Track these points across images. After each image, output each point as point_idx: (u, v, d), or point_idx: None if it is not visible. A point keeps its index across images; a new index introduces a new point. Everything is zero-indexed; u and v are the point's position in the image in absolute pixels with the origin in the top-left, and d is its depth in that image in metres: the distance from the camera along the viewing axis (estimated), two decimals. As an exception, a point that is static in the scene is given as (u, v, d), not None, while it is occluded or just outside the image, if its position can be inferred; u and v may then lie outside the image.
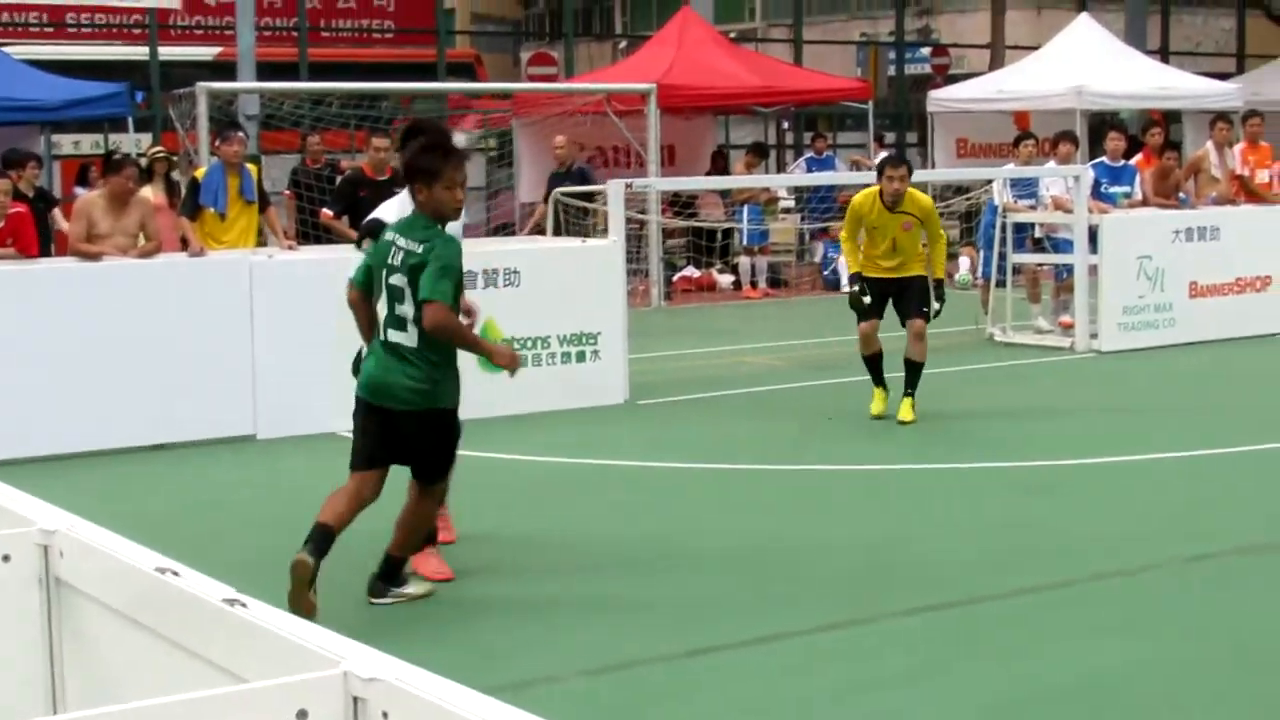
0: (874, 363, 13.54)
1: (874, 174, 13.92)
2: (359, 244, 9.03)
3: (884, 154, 14.70)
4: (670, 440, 12.71)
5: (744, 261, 24.40)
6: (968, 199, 22.97)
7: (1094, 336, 17.35)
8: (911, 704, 6.77)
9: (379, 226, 8.30)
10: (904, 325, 13.52)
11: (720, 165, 26.43)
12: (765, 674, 7.15)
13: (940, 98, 27.98)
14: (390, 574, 8.19)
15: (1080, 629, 7.73)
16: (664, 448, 12.31)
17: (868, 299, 13.36)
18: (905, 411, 13.31)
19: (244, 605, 2.87)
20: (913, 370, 13.42)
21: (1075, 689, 6.84)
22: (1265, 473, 11.42)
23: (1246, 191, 19.93)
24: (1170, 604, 8.20)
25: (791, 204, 26.71)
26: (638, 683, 7.11)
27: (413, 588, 8.28)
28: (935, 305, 13.45)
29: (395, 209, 8.47)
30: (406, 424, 7.86)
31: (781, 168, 30.85)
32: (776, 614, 8.03)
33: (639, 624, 7.90)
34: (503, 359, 8.21)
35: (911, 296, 13.39)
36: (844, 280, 22.99)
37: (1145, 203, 18.88)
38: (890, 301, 13.51)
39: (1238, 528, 9.72)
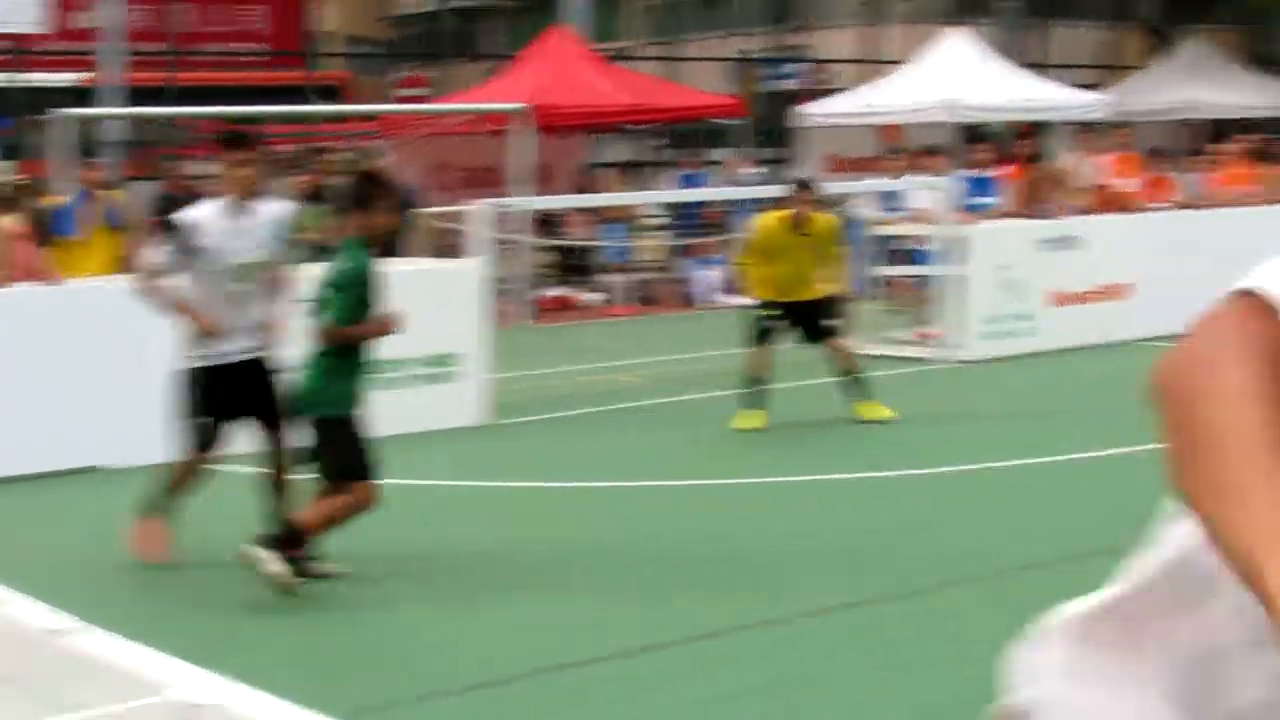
0: (759, 383, 13.53)
1: (746, 187, 14.03)
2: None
3: (796, 178, 14.71)
4: (529, 458, 12.64)
5: (612, 279, 24.38)
6: (839, 211, 23.03)
7: (958, 346, 17.44)
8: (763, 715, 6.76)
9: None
10: (823, 346, 13.70)
11: (587, 184, 26.36)
12: (630, 687, 7.13)
13: (811, 113, 28.08)
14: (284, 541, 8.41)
15: (939, 638, 7.74)
16: (522, 466, 12.22)
17: (772, 324, 13.51)
18: (881, 411, 13.62)
19: (70, 633, 2.78)
20: (855, 380, 13.63)
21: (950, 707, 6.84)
22: (1124, 478, 11.51)
23: (1113, 201, 20.13)
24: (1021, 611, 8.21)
25: (662, 220, 26.70)
26: (492, 704, 7.03)
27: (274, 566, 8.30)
28: (837, 321, 13.73)
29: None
30: None
31: (653, 185, 30.85)
32: (639, 627, 8.01)
33: (491, 646, 7.83)
34: None
35: (819, 318, 13.58)
36: (698, 297, 23.08)
37: (1012, 213, 19.03)
38: (795, 323, 13.65)
39: (1106, 530, 9.77)
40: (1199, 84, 29.02)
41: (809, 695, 7.01)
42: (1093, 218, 19.46)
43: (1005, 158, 21.18)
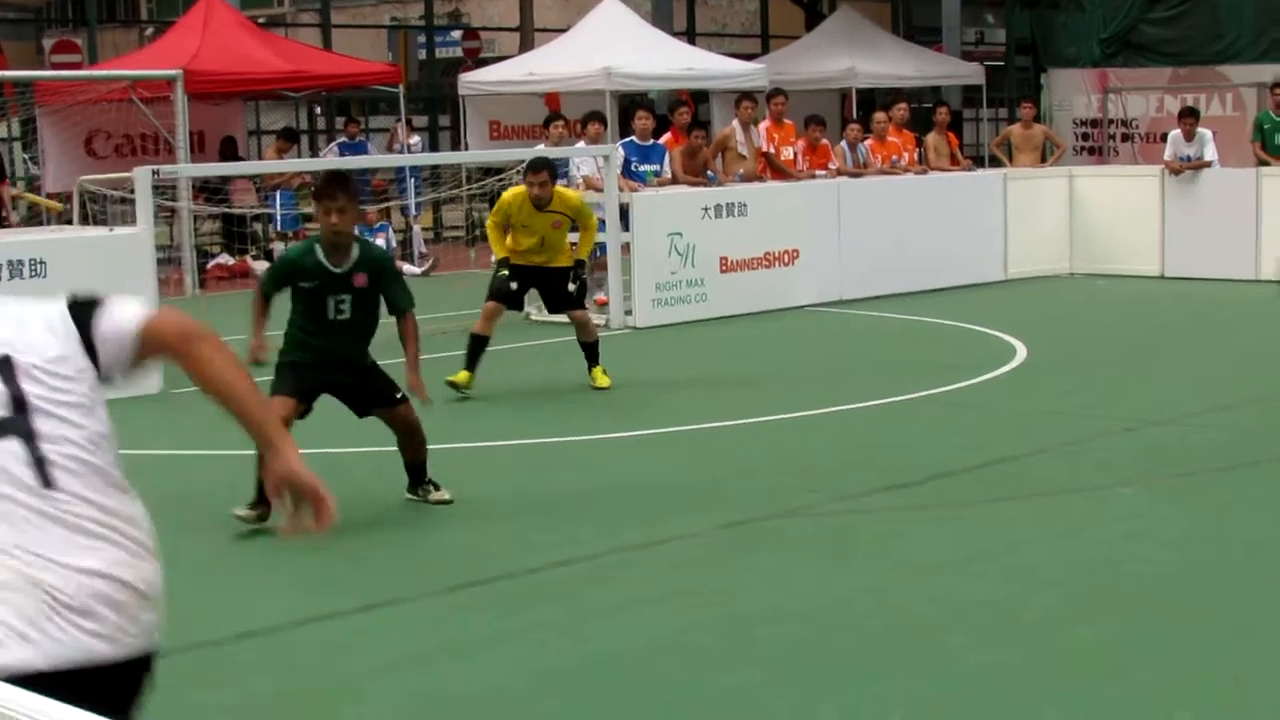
0: (480, 345, 13.64)
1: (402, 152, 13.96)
2: None
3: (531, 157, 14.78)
4: (198, 428, 12.25)
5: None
6: (500, 180, 22.92)
7: (628, 313, 17.51)
8: (460, 677, 6.68)
9: None
10: (565, 315, 14.01)
11: (234, 151, 25.78)
12: (312, 652, 6.97)
13: (472, 80, 27.90)
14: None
15: (622, 599, 7.71)
16: (194, 436, 11.85)
17: (514, 285, 13.76)
18: (602, 378, 13.76)
19: None
20: (591, 348, 13.84)
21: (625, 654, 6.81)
22: (799, 438, 11.66)
23: (772, 168, 20.40)
24: (703, 572, 8.24)
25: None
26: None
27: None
28: (572, 286, 13.95)
29: None
30: None
31: (314, 152, 30.37)
32: (320, 595, 7.85)
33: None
34: None
35: (560, 286, 13.90)
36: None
37: (675, 181, 19.14)
38: (536, 290, 14.11)
39: (776, 492, 9.86)
40: (852, 53, 29.61)
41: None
42: (757, 185, 19.70)
43: (664, 125, 21.30)
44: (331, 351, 9.49)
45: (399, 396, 9.60)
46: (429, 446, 9.75)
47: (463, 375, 13.47)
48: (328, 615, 7.68)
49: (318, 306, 9.45)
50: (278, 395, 9.16)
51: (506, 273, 13.75)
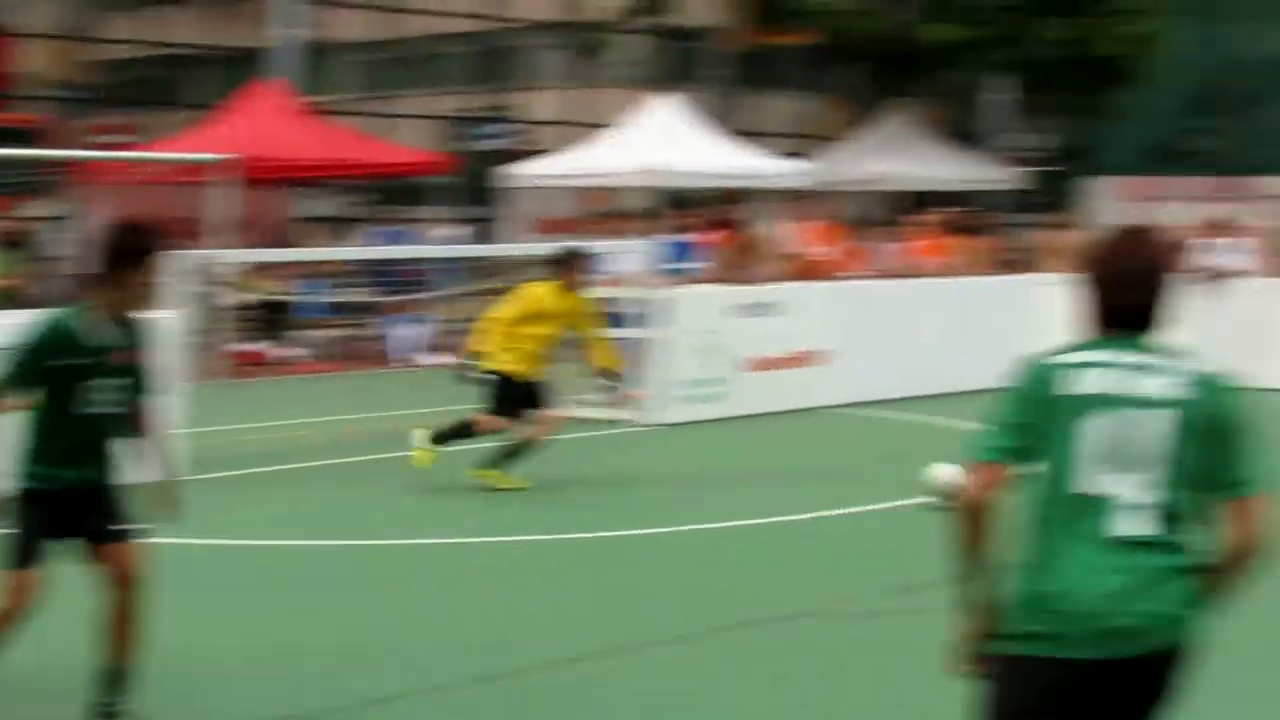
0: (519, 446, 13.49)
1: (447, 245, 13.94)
2: None
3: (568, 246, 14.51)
4: (219, 514, 12.34)
5: (311, 335, 24.10)
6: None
7: (663, 409, 17.55)
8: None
9: None
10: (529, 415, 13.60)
11: (289, 238, 26.02)
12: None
13: (518, 173, 28.11)
14: None
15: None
16: (218, 525, 11.92)
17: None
18: (509, 481, 13.38)
19: None
20: (521, 450, 13.45)
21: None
22: (821, 540, 11.67)
23: (811, 269, 20.49)
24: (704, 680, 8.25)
25: (360, 278, 26.54)
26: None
27: None
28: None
29: None
30: None
31: (355, 241, 30.60)
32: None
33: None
34: None
35: (532, 395, 13.55)
36: (397, 355, 22.97)
37: (717, 279, 19.23)
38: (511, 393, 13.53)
39: (789, 595, 9.86)
40: (899, 156, 29.75)
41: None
42: (791, 284, 19.76)
43: (710, 224, 21.43)
44: None
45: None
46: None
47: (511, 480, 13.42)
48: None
49: None
50: None
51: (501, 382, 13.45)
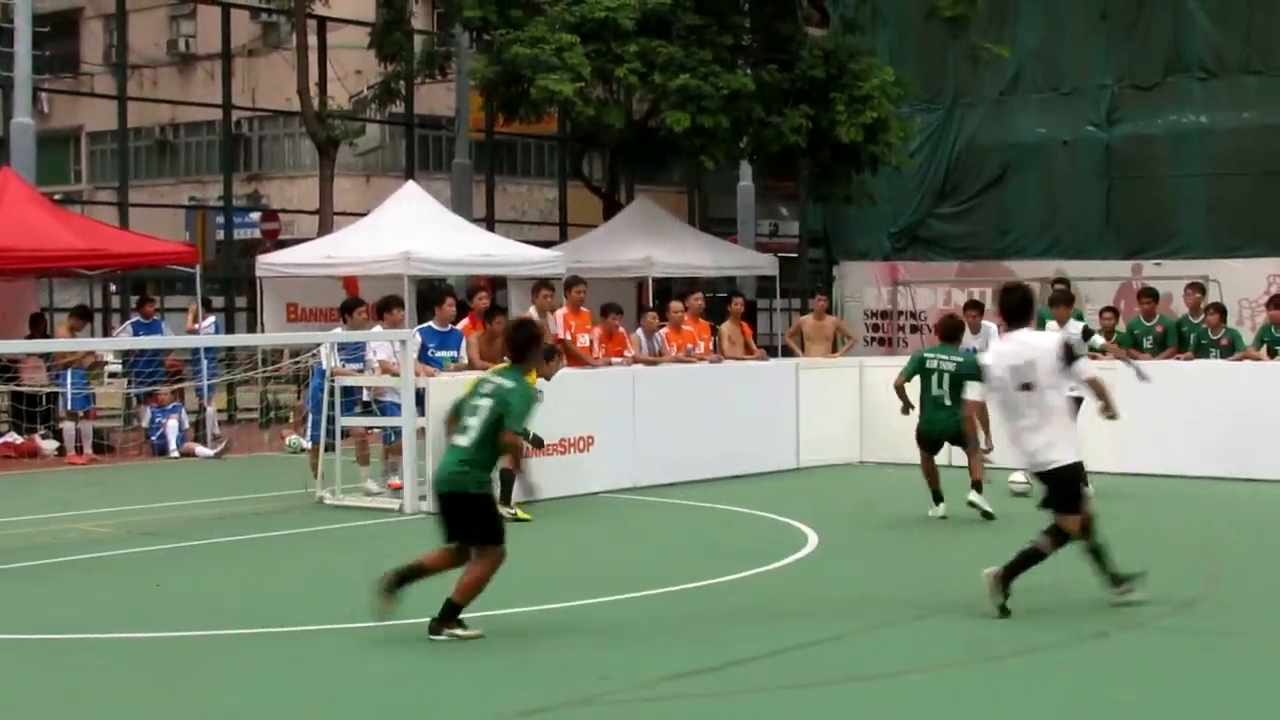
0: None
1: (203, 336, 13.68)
2: None
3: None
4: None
5: (68, 427, 23.60)
6: (296, 363, 22.85)
7: (423, 498, 17.42)
8: None
9: None
10: None
11: (41, 328, 25.48)
12: None
13: (269, 262, 27.85)
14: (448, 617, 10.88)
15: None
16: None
17: None
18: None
19: None
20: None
21: None
22: (591, 626, 11.65)
23: (569, 355, 20.54)
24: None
25: (118, 368, 26.02)
26: None
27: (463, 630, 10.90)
28: None
29: None
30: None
31: (108, 331, 30.04)
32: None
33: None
34: None
35: None
36: (160, 445, 22.60)
37: (472, 366, 19.18)
38: None
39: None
40: (650, 243, 30.03)
41: None
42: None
43: (463, 311, 21.38)
44: None
45: None
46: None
47: None
48: None
49: None
50: None
51: None
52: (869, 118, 28.86)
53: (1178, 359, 21.72)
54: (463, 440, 11.12)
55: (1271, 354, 21.32)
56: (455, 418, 11.30)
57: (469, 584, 10.99)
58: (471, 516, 11.15)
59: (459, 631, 10.88)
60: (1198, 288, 23.39)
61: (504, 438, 10.99)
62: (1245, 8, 30.35)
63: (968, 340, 22.07)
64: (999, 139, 32.42)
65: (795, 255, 37.08)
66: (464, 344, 19.34)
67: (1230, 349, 21.69)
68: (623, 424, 19.68)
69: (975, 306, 22.70)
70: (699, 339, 22.02)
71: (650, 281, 30.21)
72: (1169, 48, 31.10)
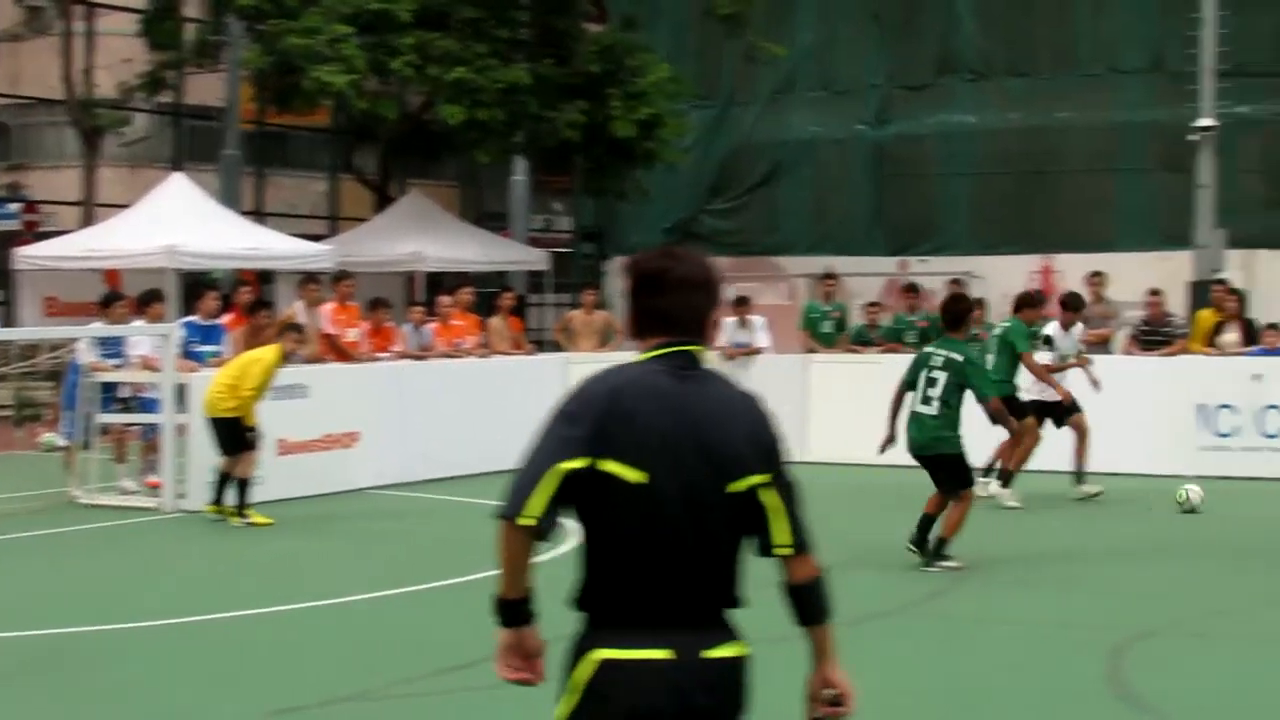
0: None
1: None
2: None
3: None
4: None
5: None
6: (54, 358, 22.27)
7: (182, 496, 17.10)
8: None
9: None
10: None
11: None
12: None
13: (28, 255, 27.17)
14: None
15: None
16: None
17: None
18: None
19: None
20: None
21: None
22: (355, 622, 11.50)
23: (335, 350, 20.30)
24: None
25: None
26: None
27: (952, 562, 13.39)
28: None
29: None
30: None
31: None
32: None
33: None
34: None
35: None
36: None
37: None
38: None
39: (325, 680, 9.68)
40: (421, 236, 29.81)
41: None
42: (319, 366, 19.53)
43: (228, 306, 21.01)
44: None
45: None
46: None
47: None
48: None
49: None
50: None
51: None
52: (644, 114, 28.91)
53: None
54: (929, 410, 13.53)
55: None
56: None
57: (955, 522, 13.46)
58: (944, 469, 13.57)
59: (949, 564, 13.37)
60: (958, 284, 23.79)
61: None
62: (1011, 12, 30.96)
63: (736, 334, 22.29)
64: (772, 137, 32.68)
65: (568, 250, 37.07)
66: (227, 339, 18.99)
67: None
68: (390, 420, 19.48)
69: (742, 302, 22.89)
70: (467, 334, 21.88)
71: (421, 276, 29.99)
72: (939, 50, 31.59)
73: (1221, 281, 22.77)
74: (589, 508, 4.57)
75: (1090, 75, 30.05)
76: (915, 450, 13.82)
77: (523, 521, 4.51)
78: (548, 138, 29.17)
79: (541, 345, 27.15)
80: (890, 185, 31.77)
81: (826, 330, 23.17)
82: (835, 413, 21.58)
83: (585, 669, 4.60)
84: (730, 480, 4.58)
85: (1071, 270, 26.42)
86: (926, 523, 13.70)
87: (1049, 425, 18.19)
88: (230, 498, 16.22)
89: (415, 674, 9.89)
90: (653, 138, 29.35)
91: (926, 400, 13.66)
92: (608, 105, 28.72)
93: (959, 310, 14.17)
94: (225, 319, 19.62)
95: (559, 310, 31.28)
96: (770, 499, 4.64)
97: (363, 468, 18.97)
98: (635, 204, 31.92)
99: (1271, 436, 20.08)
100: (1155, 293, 21.75)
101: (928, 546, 13.59)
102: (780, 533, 4.68)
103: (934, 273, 27.72)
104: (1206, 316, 21.62)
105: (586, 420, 4.54)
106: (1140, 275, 24.22)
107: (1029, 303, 17.95)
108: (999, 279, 28.15)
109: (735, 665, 4.64)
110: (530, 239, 35.54)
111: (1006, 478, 17.53)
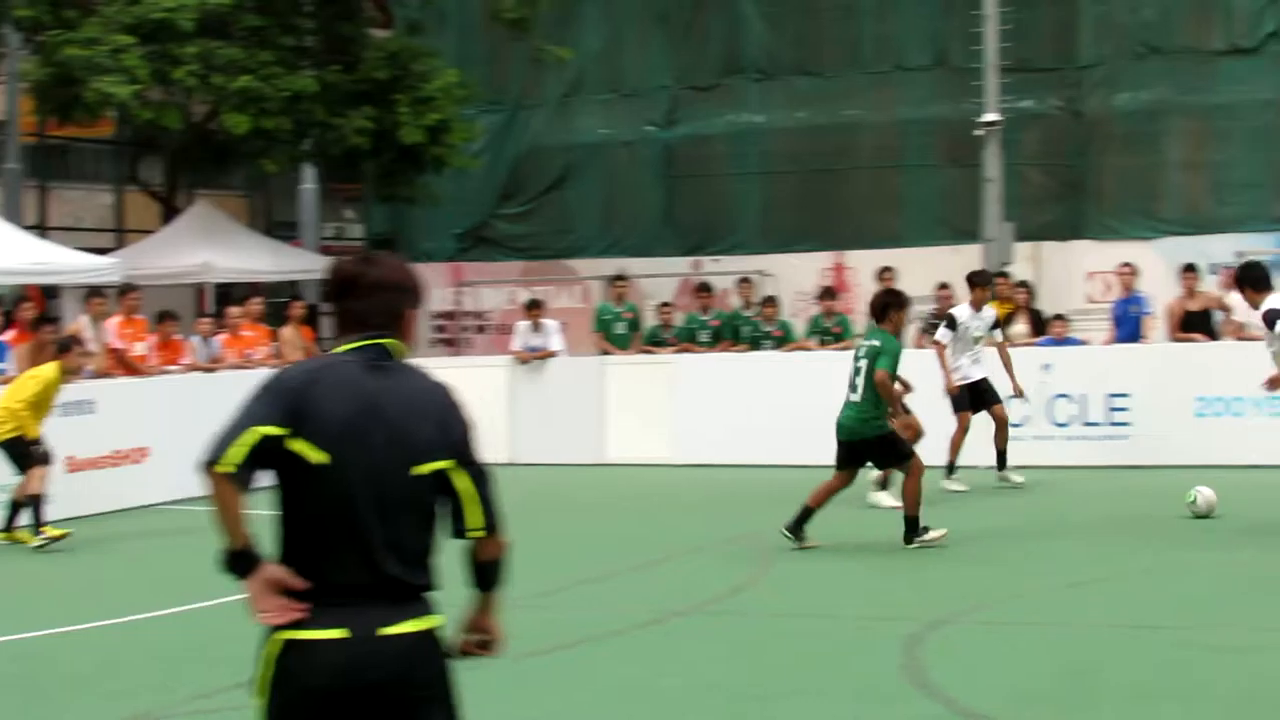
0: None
1: None
2: None
3: None
4: None
5: None
6: None
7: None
8: None
9: None
10: None
11: None
12: None
13: None
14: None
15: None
16: None
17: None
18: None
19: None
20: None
21: None
22: (145, 639, 11.28)
23: (123, 364, 19.94)
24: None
25: None
26: None
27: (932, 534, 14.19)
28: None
29: None
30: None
31: None
32: None
33: None
34: None
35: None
36: None
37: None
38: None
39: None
40: (209, 248, 29.34)
41: None
42: (105, 382, 19.16)
43: (10, 322, 20.56)
44: None
45: None
46: None
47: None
48: None
49: None
50: None
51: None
52: (432, 119, 28.71)
53: (732, 351, 22.24)
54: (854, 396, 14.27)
55: (822, 343, 21.97)
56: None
57: (912, 495, 14.20)
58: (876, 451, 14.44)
59: (929, 536, 14.08)
60: (748, 282, 24.03)
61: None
62: (797, 13, 31.19)
63: (530, 337, 22.26)
64: (562, 140, 32.63)
65: (362, 258, 36.70)
66: (9, 355, 18.55)
67: (783, 340, 22.30)
68: (180, 434, 19.06)
69: (535, 305, 22.89)
70: (257, 344, 21.60)
71: (210, 287, 29.54)
72: (726, 50, 31.74)
73: (1004, 274, 23.15)
74: (281, 485, 4.97)
75: (876, 73, 30.37)
76: (844, 437, 14.57)
77: (221, 469, 4.88)
78: (335, 145, 28.85)
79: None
80: (681, 186, 31.86)
81: (620, 332, 23.22)
82: (631, 414, 21.66)
83: (272, 648, 4.87)
84: (415, 464, 4.93)
85: (864, 266, 26.72)
86: (807, 513, 14.48)
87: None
88: (23, 519, 15.85)
89: (212, 688, 9.72)
90: (441, 143, 29.15)
91: (853, 387, 14.56)
92: (395, 111, 28.47)
93: (883, 303, 14.90)
94: (8, 336, 19.17)
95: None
96: (463, 484, 5.01)
97: (154, 483, 18.63)
98: (426, 210, 31.70)
99: (1062, 425, 20.51)
100: (944, 286, 22.08)
101: (801, 533, 14.39)
102: (473, 516, 5.05)
103: (726, 272, 27.85)
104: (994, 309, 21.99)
105: (282, 399, 4.97)
106: (931, 269, 24.56)
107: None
108: (792, 277, 28.40)
109: (417, 640, 4.91)
110: (322, 247, 35.13)
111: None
